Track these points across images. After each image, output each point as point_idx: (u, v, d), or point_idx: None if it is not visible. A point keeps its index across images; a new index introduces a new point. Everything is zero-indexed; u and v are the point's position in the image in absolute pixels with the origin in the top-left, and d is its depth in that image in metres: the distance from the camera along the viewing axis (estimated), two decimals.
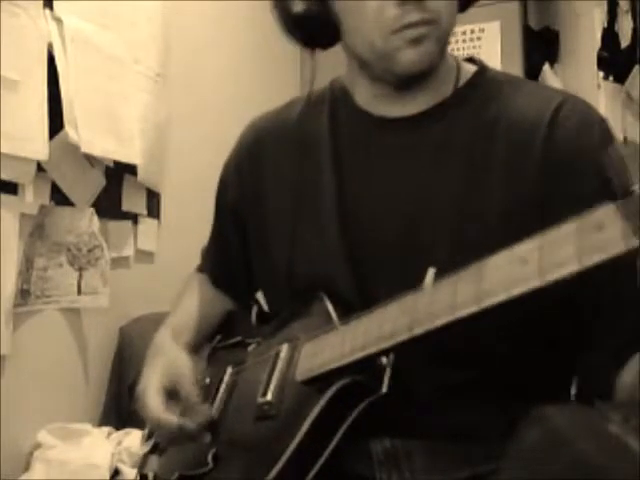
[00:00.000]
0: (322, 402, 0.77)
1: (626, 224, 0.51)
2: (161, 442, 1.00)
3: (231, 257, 1.06)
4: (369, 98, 0.92)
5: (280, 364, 0.86)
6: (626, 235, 0.51)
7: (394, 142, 0.90)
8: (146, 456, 1.02)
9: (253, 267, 1.02)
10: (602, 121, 0.87)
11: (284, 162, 0.97)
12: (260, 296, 1.04)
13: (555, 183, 0.81)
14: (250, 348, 0.99)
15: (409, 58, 0.83)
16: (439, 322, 0.65)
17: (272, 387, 0.84)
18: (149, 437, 1.03)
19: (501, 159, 0.84)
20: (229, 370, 0.97)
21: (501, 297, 0.60)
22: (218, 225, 1.10)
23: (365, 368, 0.77)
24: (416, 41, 0.82)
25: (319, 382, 0.79)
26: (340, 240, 0.89)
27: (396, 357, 0.78)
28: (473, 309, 0.62)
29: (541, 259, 0.57)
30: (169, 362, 0.96)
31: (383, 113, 0.91)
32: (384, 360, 0.77)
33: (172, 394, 0.93)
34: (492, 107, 0.88)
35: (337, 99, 0.97)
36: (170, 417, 0.90)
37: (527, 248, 0.60)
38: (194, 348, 1.02)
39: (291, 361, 0.86)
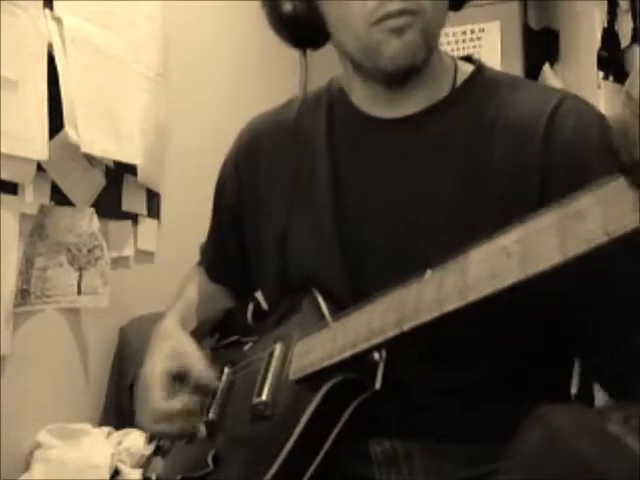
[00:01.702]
0: (316, 400, 0.77)
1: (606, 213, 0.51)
2: (161, 437, 1.00)
3: (228, 255, 1.07)
4: (364, 99, 0.92)
5: (274, 363, 0.86)
6: (606, 224, 0.51)
7: (390, 143, 0.89)
8: (150, 458, 1.02)
9: (250, 265, 1.02)
10: (601, 119, 0.86)
11: (281, 162, 0.97)
12: (259, 295, 1.05)
13: (554, 183, 0.81)
14: (246, 347, 0.99)
15: (392, 49, 0.81)
16: (426, 317, 0.65)
17: (267, 387, 0.84)
18: (152, 439, 1.03)
19: (499, 159, 0.84)
20: (226, 370, 0.97)
21: (486, 291, 0.60)
22: (216, 224, 1.10)
23: (358, 365, 0.77)
24: (398, 31, 0.81)
25: (312, 380, 0.79)
26: (334, 240, 0.89)
27: (394, 356, 0.78)
28: (459, 303, 0.62)
29: (524, 251, 0.57)
30: (178, 348, 0.95)
31: (379, 114, 0.91)
32: (376, 356, 0.77)
33: (179, 377, 0.92)
34: (490, 107, 0.87)
35: (334, 99, 0.96)
36: (172, 403, 0.89)
37: (510, 240, 0.60)
38: (197, 340, 1.02)
39: (285, 360, 0.86)
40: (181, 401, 0.89)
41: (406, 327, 0.67)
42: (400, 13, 0.80)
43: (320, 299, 0.86)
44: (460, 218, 0.83)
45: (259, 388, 0.85)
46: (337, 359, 0.75)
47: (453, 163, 0.85)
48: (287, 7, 0.88)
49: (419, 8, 0.81)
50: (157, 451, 1.01)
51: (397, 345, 0.72)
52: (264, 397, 0.83)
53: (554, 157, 0.82)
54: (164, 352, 0.95)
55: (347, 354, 0.74)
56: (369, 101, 0.91)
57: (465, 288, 0.62)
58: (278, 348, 0.88)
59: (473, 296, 0.61)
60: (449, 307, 0.63)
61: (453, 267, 0.65)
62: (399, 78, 0.86)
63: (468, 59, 0.95)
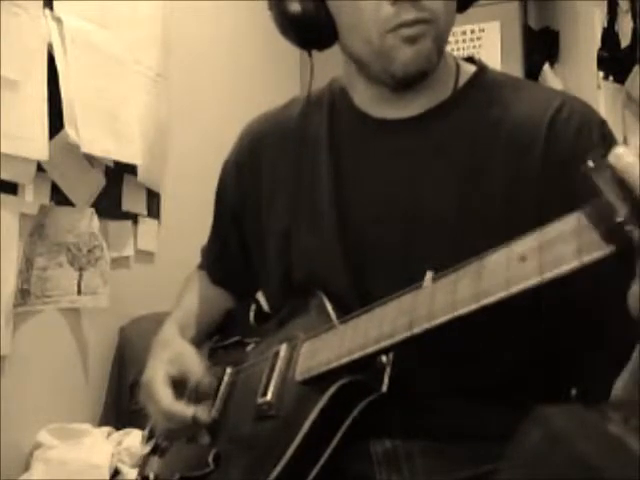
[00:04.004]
0: (322, 402, 0.77)
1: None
2: (161, 436, 1.00)
3: (230, 256, 1.07)
4: (367, 99, 0.92)
5: (279, 364, 0.86)
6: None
7: (393, 144, 0.89)
8: (147, 457, 1.02)
9: (252, 266, 1.02)
10: (602, 123, 0.86)
11: (282, 162, 0.96)
12: (260, 296, 1.05)
13: (555, 184, 0.81)
14: (249, 348, 0.99)
15: (406, 57, 0.82)
16: (439, 321, 0.65)
17: (272, 387, 0.84)
18: (150, 438, 1.03)
19: (502, 160, 0.84)
20: (228, 370, 0.97)
21: (500, 295, 0.60)
22: (217, 224, 1.10)
23: (365, 367, 0.77)
24: (412, 40, 0.81)
25: (319, 382, 0.79)
26: (338, 241, 0.88)
27: (396, 357, 0.78)
28: (472, 307, 0.62)
29: (541, 256, 0.57)
30: (177, 354, 0.96)
31: (382, 115, 0.91)
32: (384, 359, 0.77)
33: (177, 385, 0.93)
34: (493, 108, 0.87)
35: (336, 100, 0.96)
36: (184, 407, 0.89)
37: (526, 245, 0.60)
38: (196, 345, 1.02)
39: (290, 361, 0.86)
40: (190, 411, 0.90)
41: (417, 330, 0.67)
42: (415, 22, 0.80)
43: (326, 301, 0.86)
44: (462, 219, 0.83)
45: (264, 388, 0.85)
46: (345, 361, 0.75)
47: (456, 164, 0.85)
48: (296, 8, 0.87)
49: (433, 16, 0.81)
50: (154, 450, 1.01)
51: (406, 348, 0.72)
52: (269, 397, 0.83)
53: (556, 158, 0.82)
54: (164, 358, 0.96)
55: (356, 356, 0.74)
56: (371, 102, 0.91)
57: (479, 292, 0.62)
58: (284, 348, 0.88)
59: (487, 300, 0.61)
60: (463, 310, 0.63)
61: (467, 271, 0.64)
62: (408, 83, 0.86)
63: (470, 60, 0.95)
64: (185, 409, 0.89)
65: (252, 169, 1.00)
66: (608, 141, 0.85)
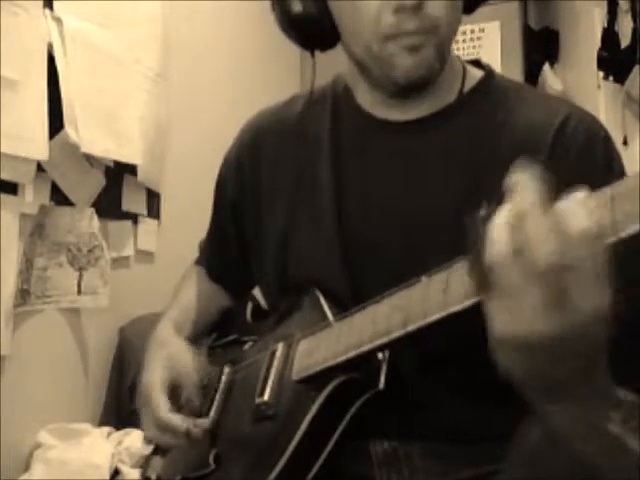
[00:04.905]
0: (319, 401, 0.77)
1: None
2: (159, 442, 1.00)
3: (228, 252, 1.07)
4: (370, 100, 0.91)
5: (276, 363, 0.86)
6: None
7: (395, 145, 0.89)
8: (149, 458, 1.01)
9: (250, 263, 1.02)
10: (606, 135, 0.86)
11: (283, 160, 0.96)
12: (257, 292, 1.04)
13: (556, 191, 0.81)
14: (246, 346, 0.99)
15: (406, 65, 0.81)
16: (433, 318, 0.65)
17: (269, 387, 0.84)
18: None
19: (503, 166, 0.84)
20: (226, 370, 0.97)
21: None
22: (216, 220, 1.10)
23: (361, 365, 0.77)
24: (412, 49, 0.81)
25: (316, 380, 0.79)
26: (336, 240, 0.88)
27: (394, 355, 0.78)
28: (465, 304, 0.62)
29: None
30: (174, 357, 0.96)
31: (385, 116, 0.91)
32: (380, 356, 0.77)
33: (173, 389, 0.93)
34: (497, 114, 0.87)
35: (339, 97, 0.96)
36: (177, 420, 0.89)
37: None
38: (192, 342, 1.02)
39: (287, 360, 0.86)
40: (185, 421, 0.89)
41: (411, 328, 0.67)
42: (416, 31, 0.80)
43: (322, 298, 0.86)
44: (462, 221, 0.83)
45: (261, 388, 0.85)
46: (341, 359, 0.75)
47: (457, 166, 0.85)
48: (298, 8, 0.87)
49: (435, 25, 0.80)
50: (156, 450, 1.01)
51: (401, 345, 0.72)
52: (266, 397, 0.83)
53: (559, 170, 0.82)
54: (160, 361, 0.95)
55: (351, 354, 0.74)
56: (374, 103, 0.91)
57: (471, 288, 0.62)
58: (280, 348, 0.88)
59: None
60: (455, 308, 0.63)
61: (459, 267, 0.64)
62: (410, 89, 0.86)
63: (477, 63, 0.94)
64: (179, 422, 0.88)
65: (252, 166, 1.00)
66: (612, 155, 0.85)
